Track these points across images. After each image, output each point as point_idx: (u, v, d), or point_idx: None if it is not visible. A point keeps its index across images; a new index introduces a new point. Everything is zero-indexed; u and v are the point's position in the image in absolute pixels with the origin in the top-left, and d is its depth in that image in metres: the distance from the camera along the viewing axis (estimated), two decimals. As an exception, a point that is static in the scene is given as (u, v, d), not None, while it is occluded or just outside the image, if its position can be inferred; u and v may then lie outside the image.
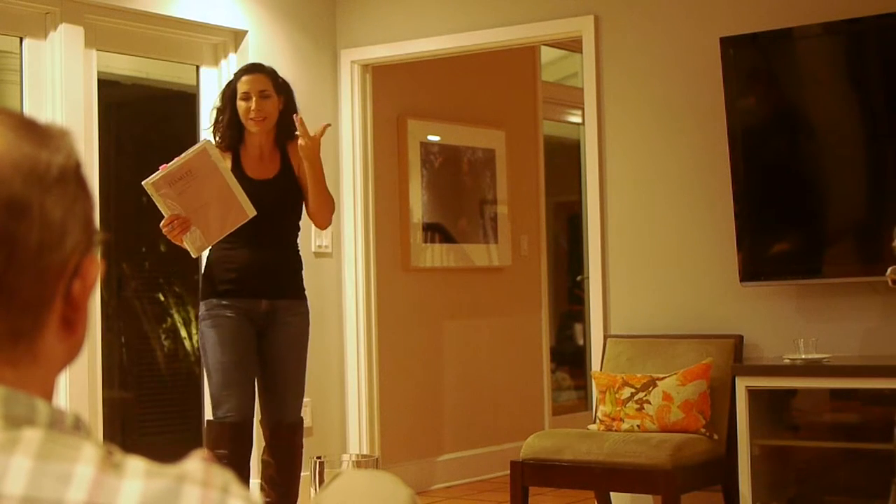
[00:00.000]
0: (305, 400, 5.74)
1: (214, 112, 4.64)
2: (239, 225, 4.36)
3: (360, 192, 5.97)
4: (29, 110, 4.89)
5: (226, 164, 4.41)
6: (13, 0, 4.87)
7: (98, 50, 5.15)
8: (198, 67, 5.63)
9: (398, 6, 5.89)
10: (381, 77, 6.17)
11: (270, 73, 4.61)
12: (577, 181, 8.04)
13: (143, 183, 4.26)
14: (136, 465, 0.85)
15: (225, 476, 0.86)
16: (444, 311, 6.61)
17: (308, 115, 5.87)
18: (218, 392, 4.47)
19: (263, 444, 4.64)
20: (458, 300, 6.69)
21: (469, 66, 6.64)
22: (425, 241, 6.53)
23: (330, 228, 5.91)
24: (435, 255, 6.59)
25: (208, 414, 4.94)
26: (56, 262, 0.93)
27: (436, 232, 6.61)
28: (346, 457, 5.30)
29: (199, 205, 4.26)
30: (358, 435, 5.91)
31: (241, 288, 4.48)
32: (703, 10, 5.16)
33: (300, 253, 4.67)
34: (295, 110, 4.61)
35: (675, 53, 5.21)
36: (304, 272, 4.69)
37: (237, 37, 5.67)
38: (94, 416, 5.01)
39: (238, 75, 4.61)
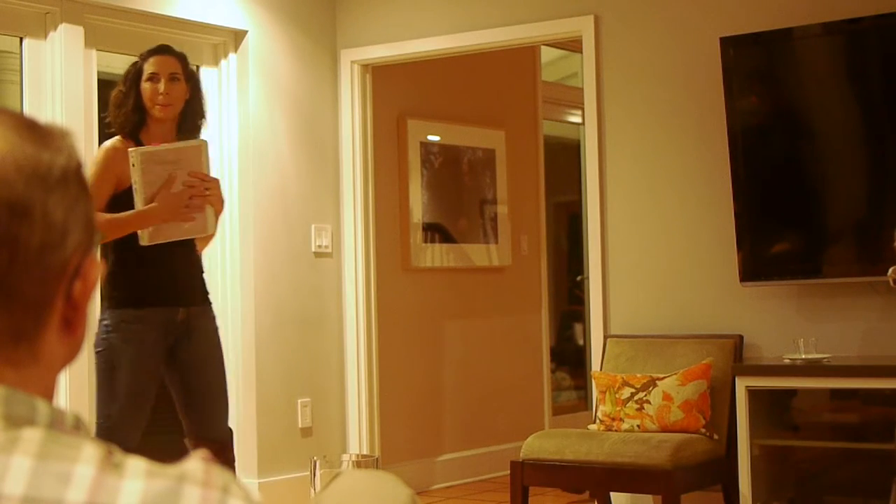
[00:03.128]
0: (305, 400, 5.76)
1: (116, 95, 4.19)
2: (191, 237, 4.14)
3: (360, 192, 5.97)
4: (29, 110, 4.89)
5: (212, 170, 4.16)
6: (13, 0, 4.87)
7: (98, 50, 5.15)
8: (198, 67, 5.60)
9: (398, 6, 5.89)
10: (381, 77, 6.16)
11: (181, 57, 4.22)
12: (577, 181, 8.04)
13: (130, 150, 4.01)
14: (136, 465, 0.85)
15: (225, 476, 0.86)
16: (444, 311, 6.61)
17: (308, 115, 5.90)
18: (118, 417, 4.07)
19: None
20: (458, 300, 6.69)
21: (469, 66, 6.63)
22: (425, 241, 6.53)
23: (330, 228, 5.95)
24: (435, 255, 6.59)
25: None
26: (57, 262, 0.93)
27: (436, 232, 6.61)
28: (346, 457, 5.29)
29: None
30: (358, 435, 5.91)
31: (160, 296, 4.10)
32: (703, 10, 5.16)
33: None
34: (202, 102, 4.24)
35: (675, 53, 5.21)
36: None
37: (237, 37, 5.67)
38: (94, 417, 5.00)
39: (145, 56, 4.18)
